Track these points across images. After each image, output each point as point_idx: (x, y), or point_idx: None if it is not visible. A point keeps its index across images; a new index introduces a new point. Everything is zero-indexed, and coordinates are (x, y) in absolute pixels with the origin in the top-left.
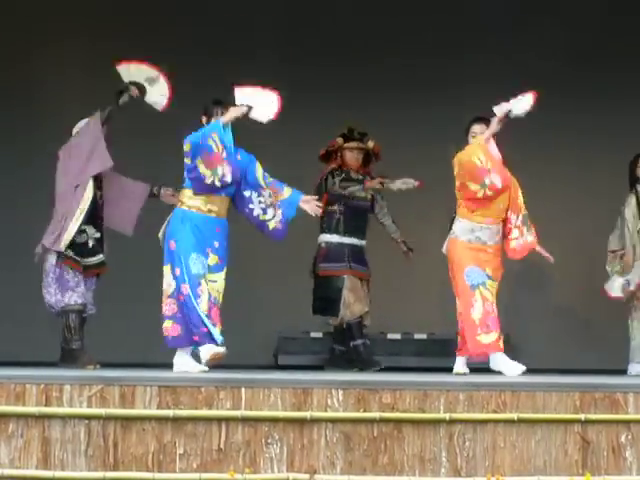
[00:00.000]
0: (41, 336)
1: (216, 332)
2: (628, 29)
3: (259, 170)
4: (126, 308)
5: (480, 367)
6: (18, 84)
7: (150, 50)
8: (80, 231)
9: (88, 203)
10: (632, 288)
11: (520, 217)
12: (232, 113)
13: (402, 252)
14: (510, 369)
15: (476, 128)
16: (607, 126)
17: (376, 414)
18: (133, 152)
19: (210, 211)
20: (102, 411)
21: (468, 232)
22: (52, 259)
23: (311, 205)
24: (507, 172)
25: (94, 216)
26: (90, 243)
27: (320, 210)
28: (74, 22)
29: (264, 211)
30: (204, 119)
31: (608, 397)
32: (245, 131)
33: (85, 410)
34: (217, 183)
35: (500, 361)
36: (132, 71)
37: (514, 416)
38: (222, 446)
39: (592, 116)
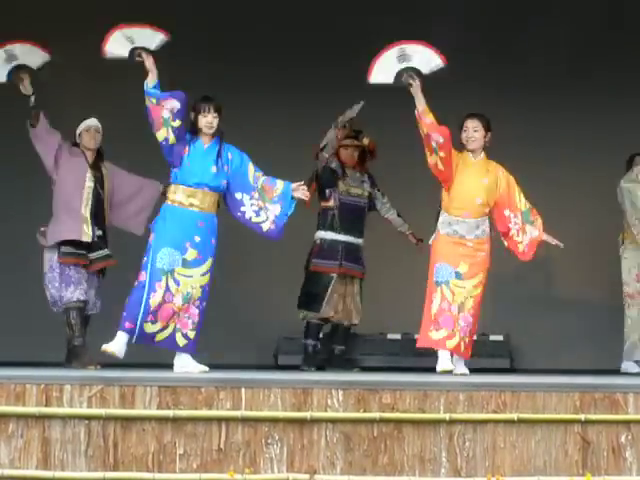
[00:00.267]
0: (41, 336)
1: (145, 330)
2: (628, 29)
3: (251, 171)
4: None
5: (479, 367)
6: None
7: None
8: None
9: (89, 198)
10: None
11: (520, 216)
12: (149, 66)
13: (414, 244)
14: (438, 364)
15: (469, 124)
16: (606, 126)
17: (376, 414)
18: (135, 152)
19: (192, 205)
20: (102, 411)
21: (447, 225)
22: (54, 255)
23: (300, 191)
24: (445, 129)
25: (96, 213)
26: (92, 239)
27: (308, 194)
28: (74, 24)
29: (257, 213)
30: (192, 115)
31: (608, 397)
32: (244, 132)
33: (85, 410)
34: (170, 137)
35: (439, 357)
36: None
37: (514, 416)
38: (222, 446)
39: (591, 116)
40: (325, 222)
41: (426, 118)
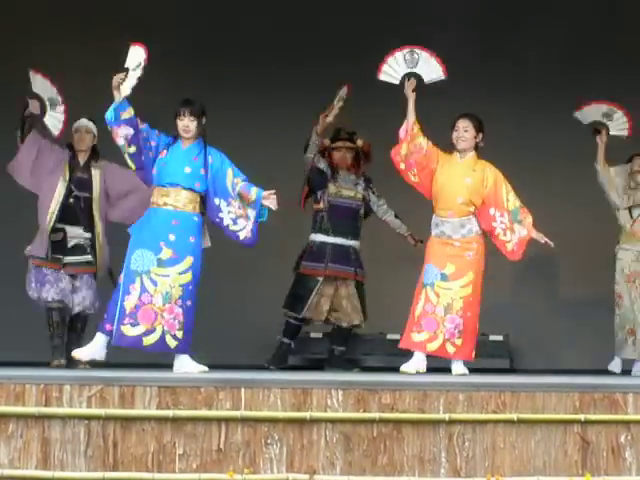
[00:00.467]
0: (40, 337)
1: (124, 333)
2: (627, 29)
3: (229, 177)
4: None
5: (479, 368)
6: (18, 84)
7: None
8: (56, 230)
9: (57, 205)
10: None
11: (508, 215)
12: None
13: (413, 245)
14: (408, 365)
15: (460, 123)
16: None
17: (376, 414)
18: None
19: (166, 204)
20: (102, 411)
21: (435, 226)
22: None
23: (270, 200)
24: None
25: (76, 216)
26: (71, 242)
27: (276, 205)
28: (74, 23)
29: (234, 221)
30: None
31: (607, 397)
32: (244, 132)
33: (85, 410)
34: (130, 164)
35: (413, 357)
36: (38, 83)
37: (514, 416)
38: (222, 446)
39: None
40: (315, 224)
41: (413, 129)
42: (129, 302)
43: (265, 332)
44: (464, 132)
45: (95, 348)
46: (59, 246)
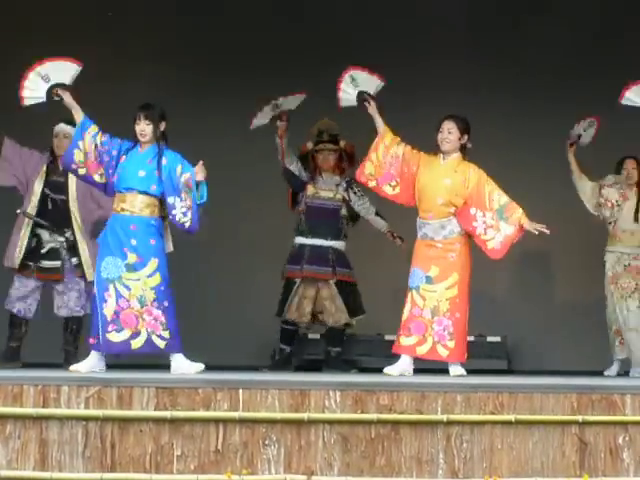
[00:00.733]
0: (39, 337)
1: (111, 340)
2: (627, 28)
3: (178, 171)
4: None
5: (477, 369)
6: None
7: (149, 53)
8: (33, 235)
9: (34, 210)
10: None
11: (493, 214)
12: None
13: (396, 244)
14: (392, 367)
15: (445, 125)
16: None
17: (373, 415)
18: None
19: (123, 210)
20: (100, 412)
21: (418, 229)
22: None
23: (199, 172)
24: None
25: (52, 220)
26: (46, 246)
27: (204, 172)
28: (74, 24)
29: (184, 214)
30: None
31: (605, 398)
32: (245, 133)
33: (83, 411)
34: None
35: (400, 359)
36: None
37: (511, 418)
38: (219, 447)
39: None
40: (297, 227)
41: (386, 139)
42: (108, 309)
43: (264, 333)
44: (448, 134)
45: (92, 362)
46: (33, 251)
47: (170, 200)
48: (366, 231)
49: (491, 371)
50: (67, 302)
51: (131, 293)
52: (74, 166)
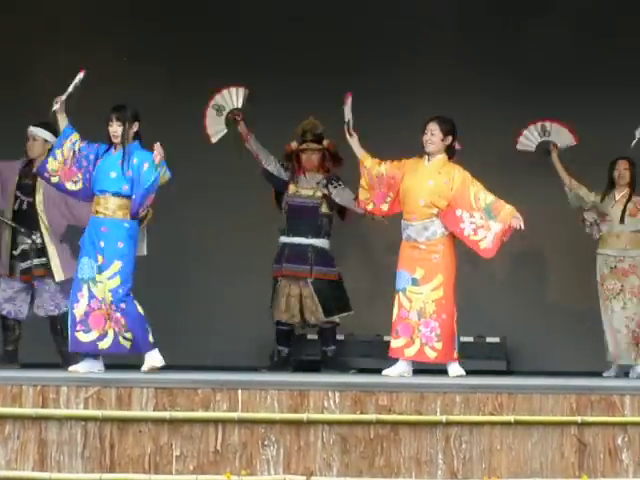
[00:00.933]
0: (38, 337)
1: (79, 339)
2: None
3: (144, 168)
4: None
5: (476, 369)
6: (20, 91)
7: (149, 56)
8: (14, 238)
9: (10, 214)
10: None
11: (480, 214)
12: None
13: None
14: (392, 370)
15: (429, 126)
16: (594, 134)
17: (372, 416)
18: None
19: (97, 212)
20: (99, 413)
21: (403, 230)
22: None
23: (157, 155)
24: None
25: (22, 222)
26: (18, 248)
27: (161, 153)
28: (74, 25)
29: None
30: None
31: (604, 399)
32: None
33: (82, 412)
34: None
35: (397, 363)
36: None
37: (511, 418)
38: (219, 448)
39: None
40: (280, 226)
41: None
42: (78, 310)
43: (263, 334)
44: (431, 135)
45: (90, 362)
46: (15, 253)
47: (135, 197)
48: (365, 232)
49: (490, 372)
50: (42, 303)
51: (98, 295)
52: (47, 174)
